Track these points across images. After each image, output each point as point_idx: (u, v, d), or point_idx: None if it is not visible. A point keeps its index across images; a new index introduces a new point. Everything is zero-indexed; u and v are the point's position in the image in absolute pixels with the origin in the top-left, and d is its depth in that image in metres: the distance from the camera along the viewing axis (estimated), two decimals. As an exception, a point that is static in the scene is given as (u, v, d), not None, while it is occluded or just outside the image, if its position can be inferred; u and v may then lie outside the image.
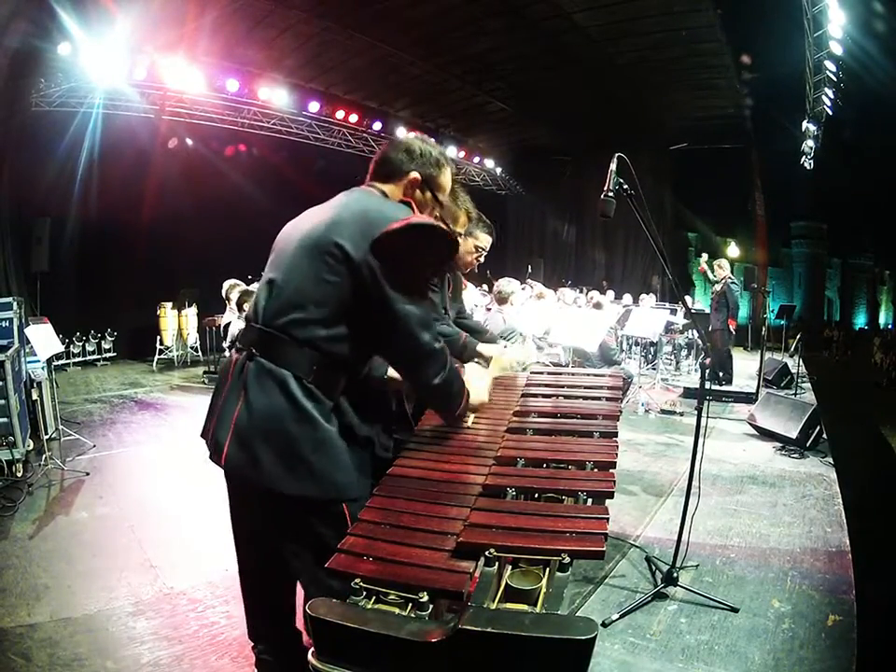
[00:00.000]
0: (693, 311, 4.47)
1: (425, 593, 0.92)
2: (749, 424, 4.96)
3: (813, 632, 2.17)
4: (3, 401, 3.61)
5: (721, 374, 6.88)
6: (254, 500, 1.29)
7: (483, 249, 2.19)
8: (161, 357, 8.23)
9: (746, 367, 8.50)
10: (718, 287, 7.19)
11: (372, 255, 1.21)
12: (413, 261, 1.28)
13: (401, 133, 9.90)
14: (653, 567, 2.61)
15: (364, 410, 1.39)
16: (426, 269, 1.38)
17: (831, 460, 4.22)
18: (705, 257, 8.99)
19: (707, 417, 2.43)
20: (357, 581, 0.95)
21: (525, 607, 0.94)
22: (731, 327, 6.92)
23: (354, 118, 10.55)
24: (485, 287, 8.53)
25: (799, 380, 7.07)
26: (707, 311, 7.96)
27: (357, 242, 1.22)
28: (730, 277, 6.95)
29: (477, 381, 1.57)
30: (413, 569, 0.98)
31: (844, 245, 22.16)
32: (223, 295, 5.72)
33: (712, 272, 7.46)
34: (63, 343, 4.96)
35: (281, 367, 1.23)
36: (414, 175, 1.41)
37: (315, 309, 1.23)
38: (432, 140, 1.50)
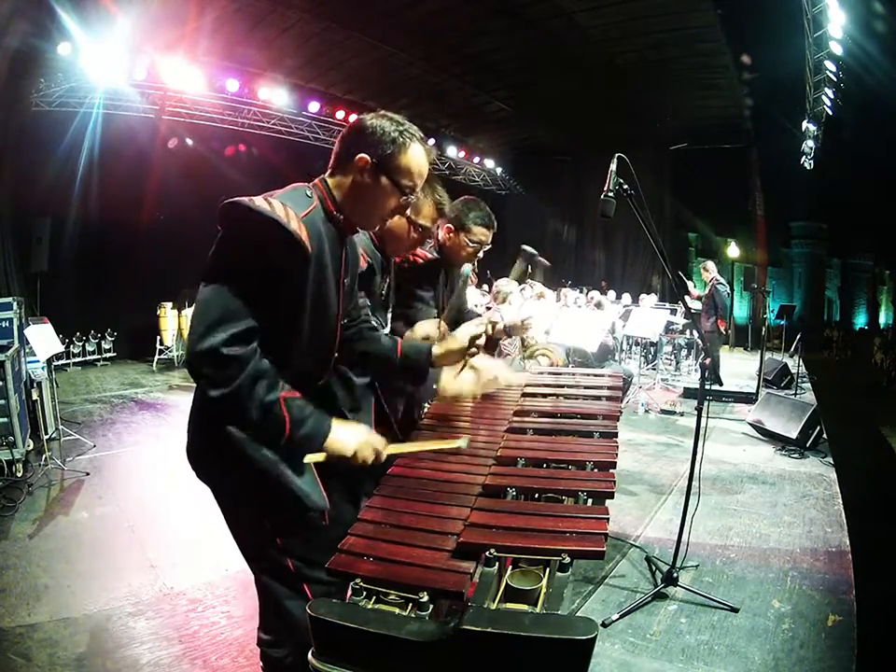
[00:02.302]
0: (692, 311, 4.47)
1: (425, 593, 0.92)
2: (749, 424, 4.96)
3: (813, 632, 2.17)
4: (3, 401, 3.61)
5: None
6: None
7: (478, 243, 2.02)
8: (161, 357, 8.23)
9: (746, 367, 8.50)
10: (707, 290, 7.17)
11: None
12: (228, 246, 1.13)
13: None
14: (653, 567, 2.61)
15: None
16: (240, 260, 1.12)
17: (831, 460, 4.22)
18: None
19: (707, 417, 2.43)
20: (358, 580, 0.95)
21: (525, 607, 0.94)
22: (721, 328, 6.90)
23: (354, 118, 10.51)
24: (486, 287, 8.54)
25: (799, 380, 7.07)
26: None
27: None
28: (717, 279, 6.93)
29: (346, 431, 1.23)
30: (414, 569, 0.98)
31: (844, 245, 22.16)
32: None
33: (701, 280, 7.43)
34: (63, 343, 4.96)
35: None
36: (361, 155, 1.21)
37: None
38: (397, 116, 1.28)
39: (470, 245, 2.01)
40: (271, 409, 1.12)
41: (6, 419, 3.62)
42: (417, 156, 1.26)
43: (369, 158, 1.21)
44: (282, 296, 1.16)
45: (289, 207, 1.13)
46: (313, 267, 1.18)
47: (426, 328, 1.78)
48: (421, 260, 1.97)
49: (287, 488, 1.21)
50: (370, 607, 0.93)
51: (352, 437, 1.22)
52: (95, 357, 8.16)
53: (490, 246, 2.10)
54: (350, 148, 1.23)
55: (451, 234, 2.02)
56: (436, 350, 1.50)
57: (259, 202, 1.11)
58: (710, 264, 7.21)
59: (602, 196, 1.90)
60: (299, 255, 1.14)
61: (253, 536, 1.27)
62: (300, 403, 1.17)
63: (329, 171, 1.29)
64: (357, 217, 1.29)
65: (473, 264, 2.21)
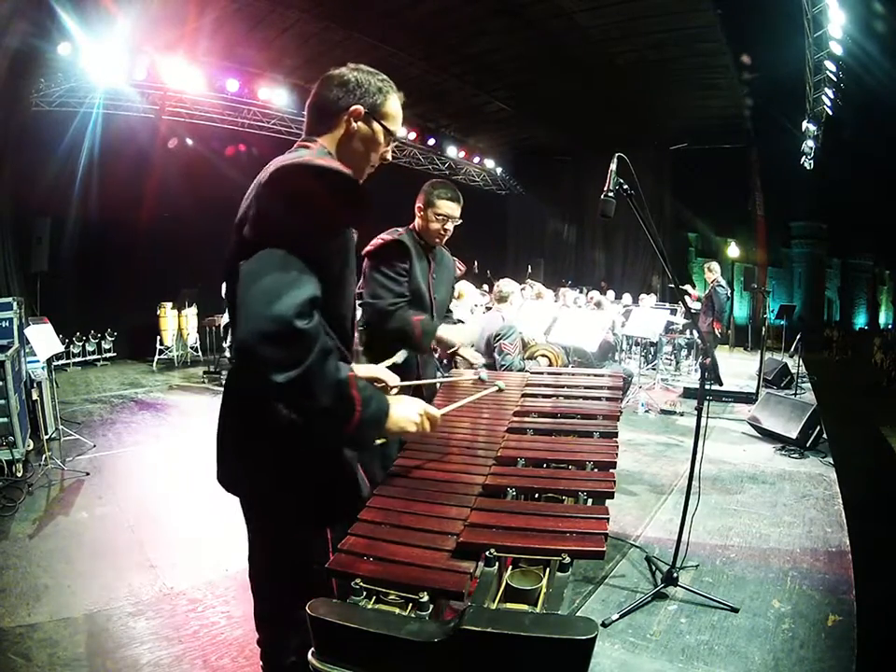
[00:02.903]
0: (692, 311, 4.47)
1: (425, 593, 0.92)
2: (749, 424, 4.96)
3: (813, 632, 2.17)
4: (3, 401, 3.62)
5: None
6: None
7: (445, 216, 2.11)
8: (161, 357, 8.23)
9: (746, 367, 8.50)
10: (706, 291, 7.17)
11: (255, 201, 1.08)
12: (294, 206, 1.04)
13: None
14: (653, 567, 2.61)
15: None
16: (314, 217, 1.05)
17: (831, 460, 4.22)
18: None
19: (707, 417, 2.44)
20: (358, 580, 0.95)
21: (525, 607, 0.94)
22: (716, 330, 6.90)
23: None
24: (486, 287, 8.55)
25: (799, 380, 7.07)
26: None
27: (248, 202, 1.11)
28: (718, 280, 6.93)
29: (402, 406, 1.20)
30: (414, 569, 0.98)
31: (844, 245, 22.15)
32: (223, 295, 5.72)
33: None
34: (63, 343, 4.97)
35: None
36: (355, 107, 1.23)
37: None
38: (367, 66, 1.32)
39: (437, 218, 2.12)
40: (342, 389, 1.03)
41: (6, 419, 3.62)
42: (397, 102, 1.33)
43: (362, 108, 1.24)
44: (338, 260, 1.13)
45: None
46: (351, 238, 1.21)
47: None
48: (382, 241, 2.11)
49: (349, 474, 1.19)
50: (370, 607, 0.92)
51: (410, 410, 1.19)
52: (95, 357, 8.16)
53: (460, 221, 2.19)
54: (337, 102, 1.24)
55: (421, 213, 2.15)
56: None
57: (323, 160, 1.10)
58: (715, 265, 7.20)
59: (602, 196, 1.90)
60: (362, 213, 1.13)
61: (299, 533, 1.20)
62: (362, 381, 1.10)
63: (310, 131, 1.28)
64: (356, 167, 1.27)
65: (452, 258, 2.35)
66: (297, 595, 1.15)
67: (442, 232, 2.15)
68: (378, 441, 1.18)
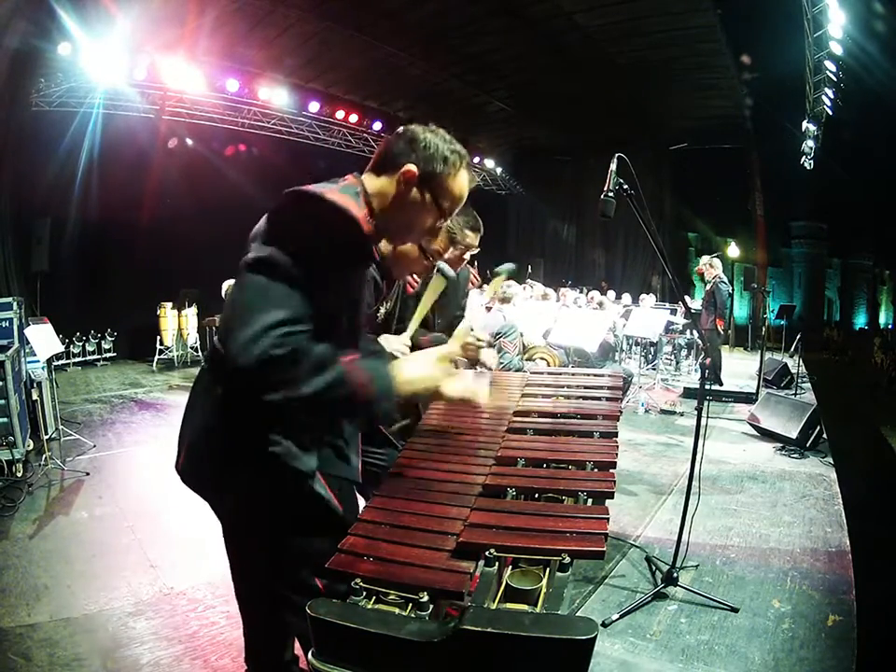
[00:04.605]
0: (692, 311, 4.47)
1: (425, 593, 0.92)
2: (749, 424, 4.96)
3: (813, 632, 2.17)
4: (3, 401, 3.62)
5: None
6: None
7: (465, 247, 2.01)
8: (161, 357, 8.23)
9: (746, 367, 8.50)
10: (708, 287, 7.17)
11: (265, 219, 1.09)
12: (290, 236, 1.04)
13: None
14: (653, 567, 2.61)
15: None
16: (302, 253, 1.02)
17: (831, 460, 4.22)
18: (706, 259, 8.90)
19: (707, 417, 2.43)
20: (358, 580, 0.95)
21: (525, 607, 0.94)
22: (719, 326, 6.90)
23: (354, 118, 10.56)
24: (485, 286, 8.54)
25: (799, 380, 7.07)
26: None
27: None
28: (720, 277, 6.93)
29: (412, 363, 1.18)
30: (414, 569, 0.98)
31: (844, 245, 22.13)
32: (223, 295, 5.73)
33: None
34: (63, 343, 4.97)
35: None
36: (410, 167, 1.15)
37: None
38: (449, 136, 1.23)
39: (457, 248, 2.01)
40: (335, 391, 1.01)
41: (6, 419, 3.62)
42: (462, 181, 1.22)
43: (416, 171, 1.16)
44: (331, 297, 1.08)
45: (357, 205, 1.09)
46: (359, 274, 1.15)
47: (393, 344, 1.69)
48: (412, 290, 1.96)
49: (322, 500, 1.16)
50: (370, 607, 0.92)
51: (422, 366, 1.16)
52: (95, 356, 8.16)
53: (478, 250, 2.10)
54: (398, 156, 1.17)
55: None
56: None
57: (334, 195, 1.06)
58: (717, 261, 7.18)
59: (602, 196, 1.90)
60: (366, 258, 1.11)
61: (278, 557, 1.20)
62: (357, 364, 1.06)
63: (369, 171, 1.22)
64: (394, 229, 1.22)
65: (468, 270, 2.24)
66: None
67: (461, 263, 2.07)
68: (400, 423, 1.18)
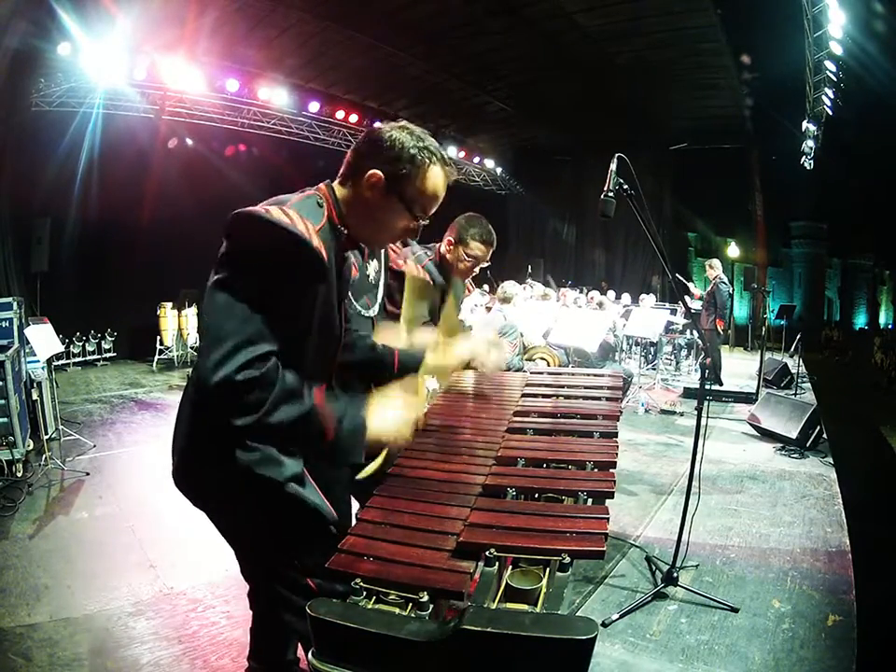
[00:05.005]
0: (692, 311, 4.47)
1: (425, 593, 0.92)
2: (749, 424, 4.96)
3: (813, 632, 2.17)
4: (3, 401, 3.62)
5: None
6: None
7: (475, 258, 2.05)
8: (162, 357, 8.23)
9: (746, 367, 8.50)
10: (708, 288, 7.19)
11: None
12: (239, 259, 1.03)
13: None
14: (653, 567, 2.61)
15: None
16: (253, 275, 1.02)
17: (831, 460, 4.22)
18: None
19: (707, 417, 2.43)
20: (358, 580, 0.95)
21: (525, 607, 0.94)
22: (719, 327, 6.91)
23: (354, 118, 10.55)
24: (486, 286, 8.55)
25: (799, 380, 7.07)
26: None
27: None
28: (720, 277, 6.94)
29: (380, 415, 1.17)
30: (414, 569, 0.98)
31: (844, 245, 22.14)
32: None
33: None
34: (63, 343, 4.97)
35: None
36: (374, 172, 1.11)
37: None
38: (421, 130, 1.17)
39: (467, 259, 2.06)
40: (305, 422, 1.04)
41: (6, 419, 3.62)
42: (434, 179, 1.16)
43: (382, 175, 1.11)
44: (291, 314, 1.07)
45: (308, 220, 1.06)
46: (325, 285, 1.12)
47: (424, 337, 1.73)
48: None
49: (304, 504, 1.18)
50: (370, 607, 0.92)
51: (386, 419, 1.15)
52: (95, 356, 8.16)
53: (488, 264, 2.13)
54: (363, 161, 1.13)
55: (451, 247, 2.08)
56: (429, 360, 1.47)
57: (276, 213, 1.02)
58: (716, 262, 7.21)
59: (602, 196, 1.90)
60: (318, 272, 1.07)
61: (268, 559, 1.23)
62: (330, 407, 1.09)
63: (338, 178, 1.20)
64: (364, 235, 1.22)
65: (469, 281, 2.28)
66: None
67: (469, 273, 2.10)
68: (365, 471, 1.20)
